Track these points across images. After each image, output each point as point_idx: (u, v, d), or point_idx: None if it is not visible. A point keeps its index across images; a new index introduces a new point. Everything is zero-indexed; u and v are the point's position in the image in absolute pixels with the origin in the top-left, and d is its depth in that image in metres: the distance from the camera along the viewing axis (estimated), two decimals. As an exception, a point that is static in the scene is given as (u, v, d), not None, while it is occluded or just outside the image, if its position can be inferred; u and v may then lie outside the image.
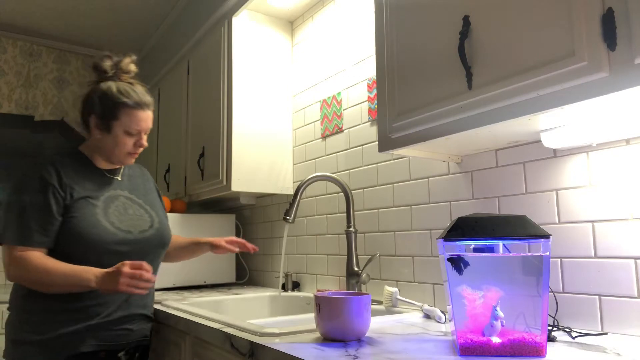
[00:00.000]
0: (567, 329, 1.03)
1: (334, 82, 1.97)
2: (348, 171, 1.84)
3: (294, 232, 2.15)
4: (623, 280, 1.00)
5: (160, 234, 1.48)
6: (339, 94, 1.93)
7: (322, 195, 1.99)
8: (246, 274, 2.51)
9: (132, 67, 1.45)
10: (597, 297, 1.05)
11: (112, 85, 1.39)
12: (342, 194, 1.72)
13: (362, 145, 1.79)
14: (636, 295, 0.98)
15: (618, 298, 1.01)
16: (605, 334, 1.01)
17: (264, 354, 0.96)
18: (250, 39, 2.18)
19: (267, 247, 2.37)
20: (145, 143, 1.45)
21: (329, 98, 1.98)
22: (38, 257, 1.27)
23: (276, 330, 1.07)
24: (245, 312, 1.87)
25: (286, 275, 2.05)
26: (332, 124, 1.95)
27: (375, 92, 1.72)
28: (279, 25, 2.27)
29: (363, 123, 1.79)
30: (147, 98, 1.43)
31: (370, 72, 1.76)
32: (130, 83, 1.42)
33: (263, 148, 2.14)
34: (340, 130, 1.90)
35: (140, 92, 1.41)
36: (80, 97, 1.46)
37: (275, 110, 2.20)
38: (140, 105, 1.40)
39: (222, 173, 2.11)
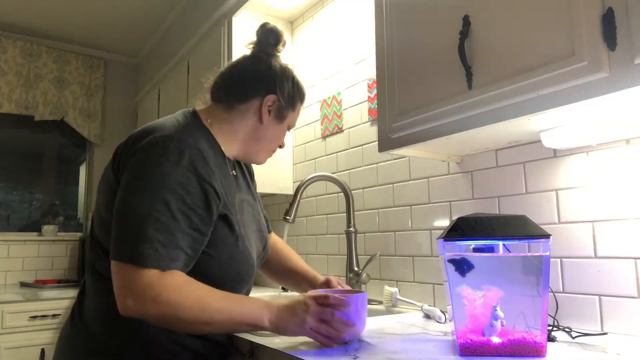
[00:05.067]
0: (567, 329, 1.03)
1: (334, 82, 1.97)
2: (348, 171, 1.84)
3: (294, 232, 2.15)
4: (623, 280, 1.00)
5: (265, 254, 1.19)
6: (339, 94, 1.92)
7: (322, 195, 1.99)
8: (246, 274, 2.50)
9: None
10: (597, 297, 1.05)
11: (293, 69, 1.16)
12: (342, 194, 1.71)
13: (362, 145, 1.79)
14: (636, 295, 0.98)
15: (618, 298, 1.01)
16: (605, 334, 1.01)
17: (264, 354, 0.96)
18: (250, 39, 2.17)
19: (267, 247, 2.37)
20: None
21: (329, 98, 1.98)
22: (185, 278, 0.88)
23: (276, 330, 1.07)
24: (245, 312, 1.87)
25: (286, 275, 2.05)
26: (332, 124, 1.95)
27: (375, 92, 1.72)
28: (279, 25, 2.26)
29: (363, 123, 1.79)
30: None
31: (370, 72, 1.76)
32: None
33: (263, 148, 2.14)
34: (340, 130, 1.90)
35: None
36: (239, 65, 1.20)
37: (275, 110, 2.19)
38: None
39: (222, 173, 2.11)
